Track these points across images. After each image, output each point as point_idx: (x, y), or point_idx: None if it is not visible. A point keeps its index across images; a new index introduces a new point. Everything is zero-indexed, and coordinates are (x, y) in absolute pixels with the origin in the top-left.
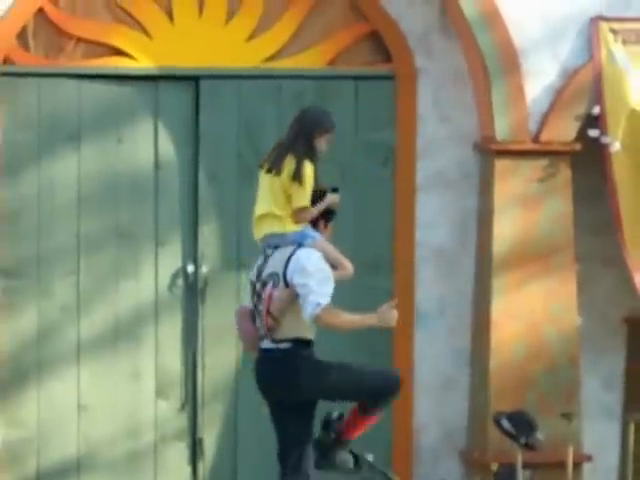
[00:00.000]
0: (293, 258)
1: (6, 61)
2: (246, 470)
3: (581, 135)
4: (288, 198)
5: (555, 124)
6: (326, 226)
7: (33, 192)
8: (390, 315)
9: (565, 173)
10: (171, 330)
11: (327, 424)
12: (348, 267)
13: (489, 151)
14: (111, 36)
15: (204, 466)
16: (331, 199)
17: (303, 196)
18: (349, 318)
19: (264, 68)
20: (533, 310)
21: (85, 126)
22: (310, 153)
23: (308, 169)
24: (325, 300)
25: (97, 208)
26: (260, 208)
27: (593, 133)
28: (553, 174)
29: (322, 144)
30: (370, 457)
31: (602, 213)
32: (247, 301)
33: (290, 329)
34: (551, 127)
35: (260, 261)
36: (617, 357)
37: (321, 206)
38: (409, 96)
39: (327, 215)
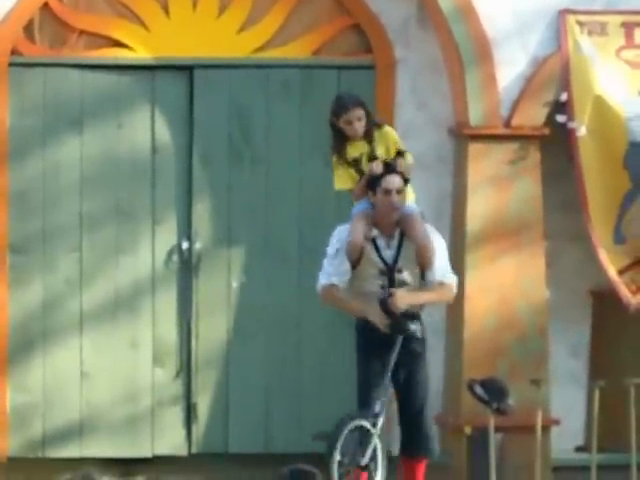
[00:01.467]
0: None
1: (14, 52)
2: (237, 432)
3: (549, 120)
4: None
5: (525, 110)
6: (375, 193)
7: (38, 173)
8: (379, 317)
9: (534, 156)
10: (167, 302)
11: None
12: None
13: (463, 135)
14: (111, 29)
15: (197, 429)
16: (369, 170)
17: (334, 181)
18: (348, 305)
19: (254, 58)
20: (504, 284)
21: (87, 112)
22: (333, 141)
23: (333, 158)
24: (325, 280)
25: (98, 189)
26: None
27: (561, 118)
28: (523, 157)
29: (345, 127)
30: None
31: (569, 193)
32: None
33: None
34: (521, 113)
35: None
36: (583, 327)
37: (361, 182)
38: (388, 84)
39: (372, 184)
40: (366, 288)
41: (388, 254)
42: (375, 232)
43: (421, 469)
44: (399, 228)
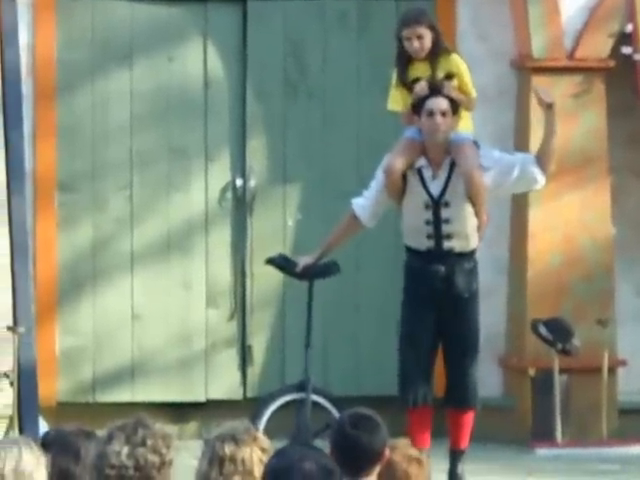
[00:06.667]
0: None
1: None
2: (293, 375)
3: (614, 52)
4: None
5: (589, 42)
6: (420, 117)
7: (87, 109)
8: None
9: (599, 89)
10: (220, 241)
11: None
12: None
13: (526, 68)
14: None
15: (253, 372)
16: (414, 92)
17: (388, 100)
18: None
19: None
20: (569, 221)
21: (137, 46)
22: (397, 55)
23: (393, 77)
24: (353, 203)
25: (149, 125)
26: None
27: (626, 50)
28: (587, 90)
29: (405, 43)
30: None
31: (634, 126)
32: None
33: None
34: (586, 44)
35: None
36: None
37: (410, 105)
38: (449, 15)
39: (417, 107)
40: (412, 222)
41: (435, 186)
42: (422, 162)
43: (469, 420)
44: (449, 158)
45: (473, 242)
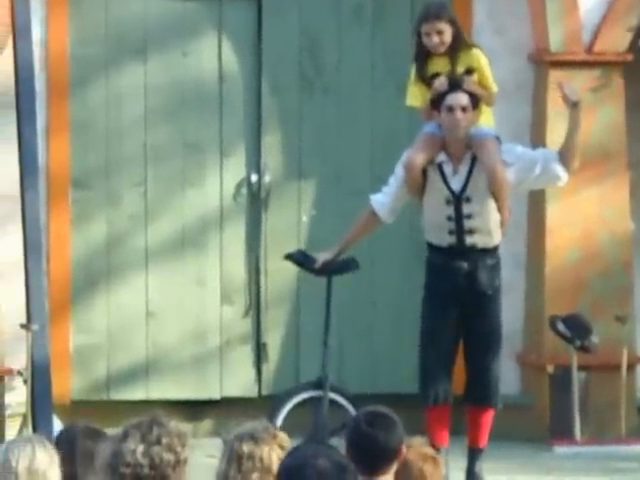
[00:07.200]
0: None
1: None
2: (308, 372)
3: (633, 46)
4: None
5: (608, 35)
6: (440, 113)
7: (101, 104)
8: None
9: (617, 83)
10: (235, 238)
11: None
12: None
13: (543, 62)
14: None
15: (268, 369)
16: (433, 87)
17: (407, 96)
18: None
19: None
20: (587, 216)
21: (151, 40)
22: (415, 51)
23: (411, 73)
24: (372, 198)
25: (163, 120)
26: None
27: None
28: (606, 84)
29: (424, 38)
30: None
31: None
32: None
33: None
34: (604, 38)
35: None
36: None
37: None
38: (465, 8)
39: (436, 103)
40: (433, 218)
41: (456, 181)
42: (442, 157)
43: (489, 419)
44: (470, 153)
45: (496, 238)
